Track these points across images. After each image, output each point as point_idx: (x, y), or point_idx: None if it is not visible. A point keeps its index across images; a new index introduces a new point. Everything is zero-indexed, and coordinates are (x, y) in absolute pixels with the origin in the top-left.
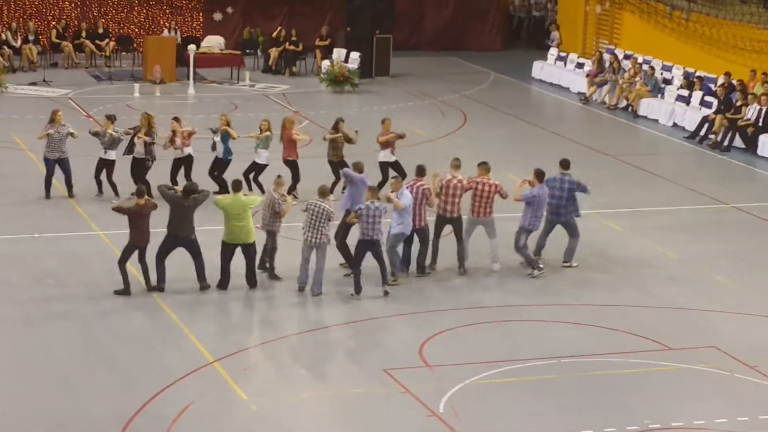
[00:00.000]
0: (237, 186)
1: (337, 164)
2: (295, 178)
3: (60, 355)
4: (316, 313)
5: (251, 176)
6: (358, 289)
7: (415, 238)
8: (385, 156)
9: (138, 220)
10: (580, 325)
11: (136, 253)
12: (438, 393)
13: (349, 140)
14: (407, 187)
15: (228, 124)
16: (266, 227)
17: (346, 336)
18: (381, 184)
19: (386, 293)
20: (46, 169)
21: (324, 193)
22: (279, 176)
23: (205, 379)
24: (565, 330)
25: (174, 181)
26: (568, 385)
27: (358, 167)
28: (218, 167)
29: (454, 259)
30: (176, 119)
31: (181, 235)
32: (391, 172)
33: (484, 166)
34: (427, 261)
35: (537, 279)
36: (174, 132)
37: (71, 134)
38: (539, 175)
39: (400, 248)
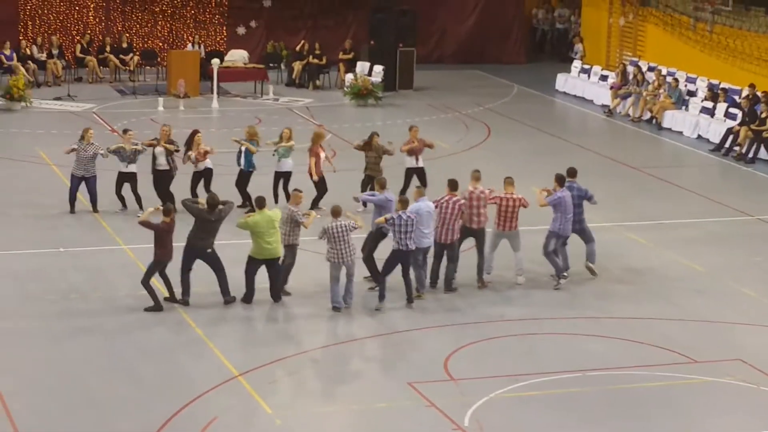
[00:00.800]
0: (261, 202)
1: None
2: (321, 191)
3: (84, 370)
4: (341, 326)
5: (281, 186)
6: (381, 297)
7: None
8: (411, 162)
9: (164, 237)
10: (605, 337)
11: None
12: (463, 406)
13: (386, 152)
14: (441, 201)
15: (254, 136)
16: (285, 241)
17: (370, 349)
18: (402, 191)
19: (410, 307)
20: (71, 184)
21: (337, 213)
22: (296, 190)
23: (229, 393)
24: (590, 343)
25: (195, 194)
26: (594, 398)
27: (381, 183)
28: (242, 180)
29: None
30: (198, 132)
31: (197, 246)
32: (415, 180)
33: (509, 181)
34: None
35: (561, 291)
36: (191, 145)
37: (100, 154)
38: (560, 179)
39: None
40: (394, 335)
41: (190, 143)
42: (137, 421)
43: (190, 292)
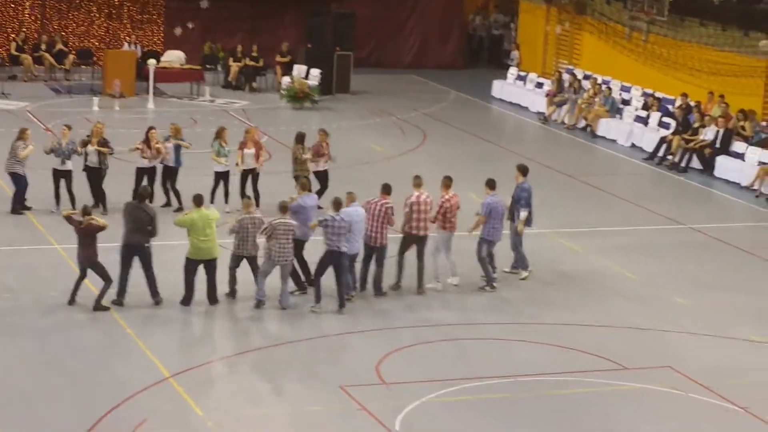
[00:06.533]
0: (199, 200)
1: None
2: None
3: (14, 370)
4: (274, 329)
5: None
6: (318, 298)
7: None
8: (318, 166)
9: (79, 236)
10: (537, 344)
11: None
12: (394, 410)
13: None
14: (370, 203)
15: (179, 132)
16: (250, 252)
17: (303, 352)
18: (320, 192)
19: (341, 312)
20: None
21: (285, 209)
22: (247, 197)
23: (160, 394)
24: (523, 349)
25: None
26: (525, 403)
27: (302, 184)
28: (169, 177)
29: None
30: (153, 129)
31: (132, 243)
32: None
33: (446, 182)
34: (392, 280)
35: (495, 297)
36: (149, 140)
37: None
38: (491, 183)
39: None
40: (327, 338)
41: (147, 141)
42: (66, 421)
43: (126, 293)
